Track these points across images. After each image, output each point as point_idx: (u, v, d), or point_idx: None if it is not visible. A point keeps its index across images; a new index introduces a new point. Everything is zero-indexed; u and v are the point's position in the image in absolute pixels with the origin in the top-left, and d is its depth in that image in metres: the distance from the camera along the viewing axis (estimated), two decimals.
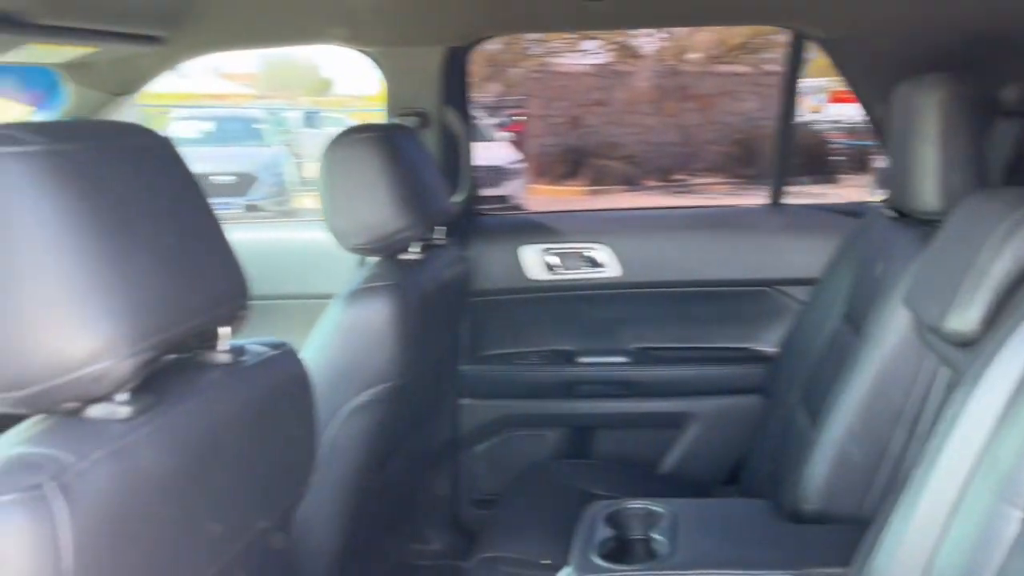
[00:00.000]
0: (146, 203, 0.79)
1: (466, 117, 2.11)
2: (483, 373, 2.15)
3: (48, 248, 0.69)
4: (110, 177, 0.75)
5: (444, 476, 2.18)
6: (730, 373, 2.08)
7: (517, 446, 2.18)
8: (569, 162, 14.09)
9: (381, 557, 1.87)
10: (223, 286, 0.86)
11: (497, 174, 10.75)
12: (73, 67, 1.85)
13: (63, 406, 0.72)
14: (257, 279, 2.37)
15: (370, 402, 1.46)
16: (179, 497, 0.77)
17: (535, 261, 2.13)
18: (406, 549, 2.11)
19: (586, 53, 14.79)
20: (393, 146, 1.52)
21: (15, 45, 1.57)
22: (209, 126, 10.82)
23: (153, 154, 0.83)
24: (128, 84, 1.99)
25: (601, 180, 13.53)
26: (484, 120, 12.63)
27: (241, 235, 2.45)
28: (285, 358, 0.99)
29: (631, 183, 13.51)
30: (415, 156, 1.61)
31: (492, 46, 15.37)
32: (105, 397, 0.73)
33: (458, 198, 2.09)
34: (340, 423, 1.46)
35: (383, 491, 1.65)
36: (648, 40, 14.32)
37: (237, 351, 0.91)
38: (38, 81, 1.96)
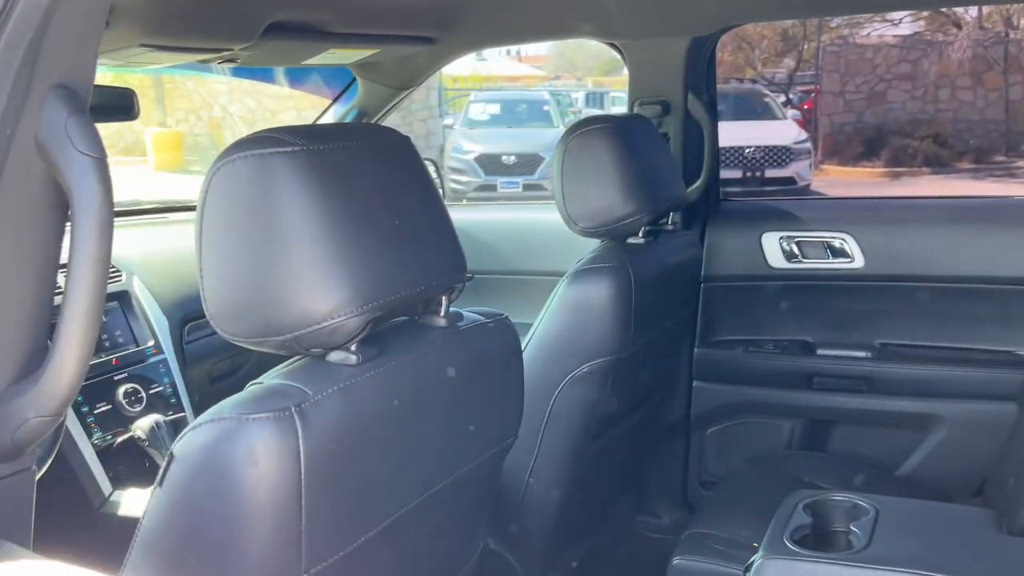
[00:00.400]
0: (381, 192, 0.96)
1: (710, 105, 2.14)
2: (718, 357, 2.18)
3: (302, 229, 0.87)
4: (352, 171, 0.93)
5: (676, 454, 2.25)
6: (986, 376, 1.94)
7: (749, 432, 2.19)
8: (865, 141, 13.16)
9: (603, 521, 2.00)
10: (441, 263, 1.02)
11: (781, 154, 10.37)
12: (363, 66, 2.15)
13: (311, 351, 0.92)
14: (515, 255, 2.59)
15: (590, 374, 1.58)
16: (391, 433, 0.94)
17: (776, 248, 2.12)
18: (632, 519, 2.22)
19: (893, 23, 13.66)
20: (624, 136, 1.61)
21: (319, 51, 1.88)
22: (497, 108, 11.42)
23: (390, 151, 1.01)
24: (408, 79, 2.27)
25: (901, 162, 12.50)
26: (773, 98, 12.18)
27: (504, 215, 2.68)
28: (497, 327, 1.13)
29: (938, 165, 12.35)
30: (647, 145, 1.69)
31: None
32: (342, 346, 0.91)
33: (698, 185, 2.13)
34: (562, 391, 1.59)
35: (604, 458, 1.77)
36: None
37: (455, 317, 1.06)
38: (337, 79, 2.29)
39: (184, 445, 0.84)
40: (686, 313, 2.07)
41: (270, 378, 0.90)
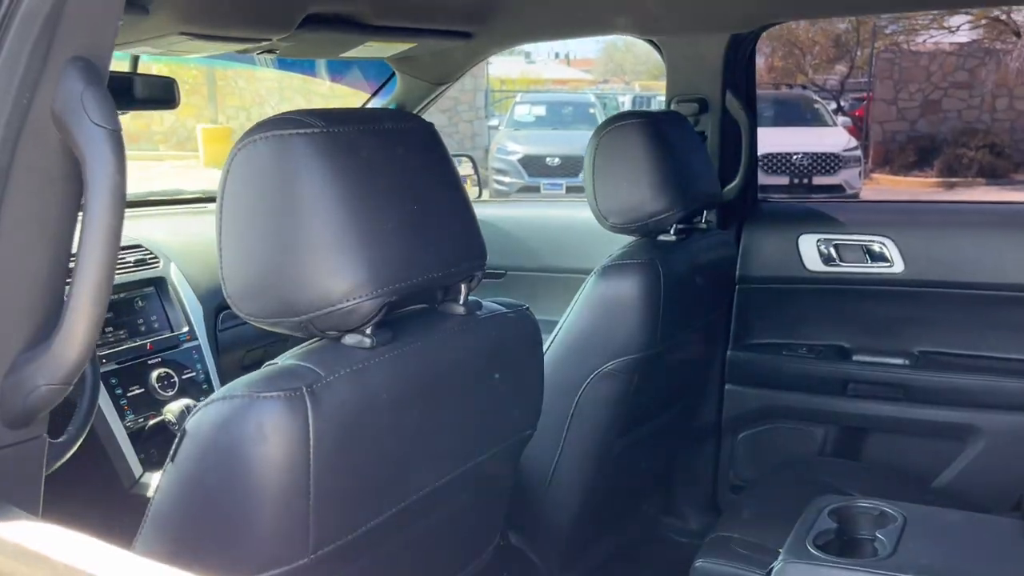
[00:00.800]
0: (401, 176, 0.96)
1: (749, 104, 2.11)
2: (752, 361, 2.15)
3: (319, 211, 0.87)
4: (372, 154, 0.93)
5: (706, 458, 2.22)
6: None
7: (782, 438, 2.15)
8: (918, 150, 12.90)
9: (628, 521, 1.98)
10: (460, 250, 1.01)
11: (830, 161, 10.21)
12: (401, 60, 2.16)
13: (326, 333, 0.92)
14: (548, 252, 2.58)
15: (616, 371, 1.57)
16: (404, 418, 0.94)
17: (813, 251, 2.08)
18: (658, 521, 2.20)
19: (949, 31, 13.38)
20: (657, 132, 1.59)
21: (356, 43, 1.89)
22: (543, 110, 11.41)
23: (412, 136, 1.00)
24: (446, 74, 2.27)
25: (955, 172, 12.24)
26: (823, 104, 12.01)
27: (538, 212, 2.67)
28: (517, 317, 1.12)
29: (994, 176, 12.07)
30: (681, 142, 1.67)
31: (841, 25, 14.47)
32: (357, 329, 0.91)
33: (734, 184, 2.10)
34: (588, 387, 1.58)
35: (630, 458, 1.75)
36: None
37: (474, 306, 1.06)
38: (376, 72, 2.31)
39: (196, 421, 0.84)
40: (719, 314, 2.04)
41: (284, 359, 0.90)
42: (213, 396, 0.85)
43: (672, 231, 1.68)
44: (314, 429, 0.82)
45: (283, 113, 0.92)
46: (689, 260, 1.70)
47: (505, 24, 1.99)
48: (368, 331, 0.91)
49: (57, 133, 0.67)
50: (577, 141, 10.17)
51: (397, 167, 0.96)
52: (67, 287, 0.70)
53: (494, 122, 12.31)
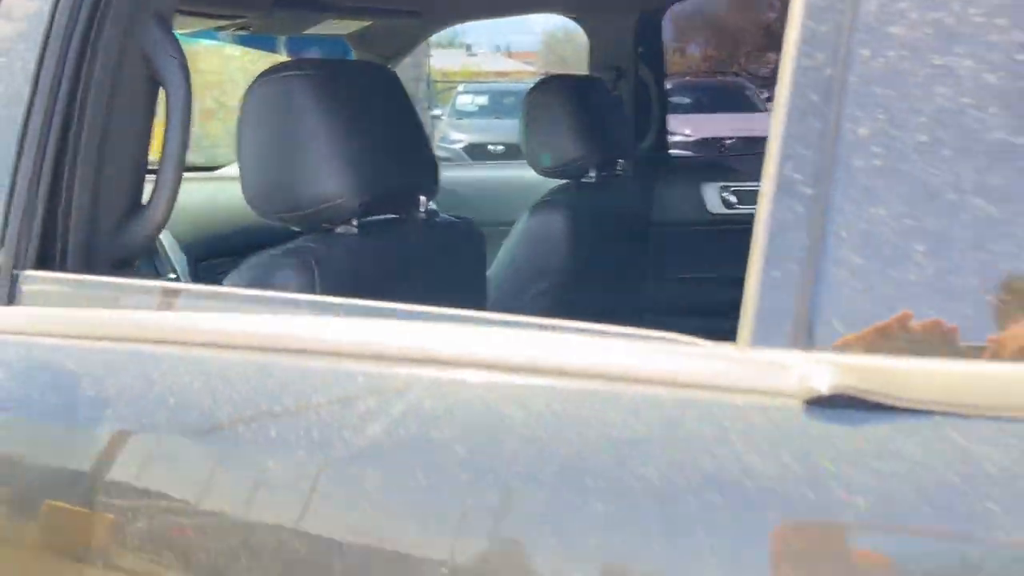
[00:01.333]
0: (374, 110, 1.27)
1: (658, 73, 2.46)
2: (667, 292, 2.50)
3: (316, 132, 1.18)
4: (353, 92, 1.24)
5: None
6: None
7: None
8: None
9: None
10: (420, 168, 1.33)
11: (760, 145, 10.68)
12: (357, 37, 2.46)
13: (323, 226, 1.23)
14: (494, 208, 2.86)
15: (547, 291, 1.90)
16: (383, 288, 1.25)
17: (716, 197, 2.45)
18: None
19: None
20: (576, 91, 1.93)
21: (319, 20, 2.19)
22: (485, 100, 11.71)
23: (378, 81, 1.32)
24: (397, 50, 2.58)
25: None
26: (755, 91, 12.52)
27: (486, 173, 2.97)
28: (464, 225, 1.45)
29: None
30: (597, 101, 2.01)
31: (771, 15, 14.94)
32: (347, 222, 1.22)
33: (648, 142, 2.46)
34: (528, 305, 1.91)
35: None
36: None
37: (432, 214, 1.38)
38: (335, 50, 2.60)
39: (232, 280, 1.15)
40: (637, 251, 2.39)
41: (296, 243, 1.21)
42: (245, 263, 1.15)
43: (592, 174, 2.02)
44: (320, 288, 1.14)
45: (284, 61, 1.22)
46: (607, 200, 2.04)
47: (447, 5, 2.30)
48: (354, 223, 1.22)
49: (142, 65, 0.97)
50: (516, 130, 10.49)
51: (372, 103, 1.27)
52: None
53: (437, 112, 12.57)
